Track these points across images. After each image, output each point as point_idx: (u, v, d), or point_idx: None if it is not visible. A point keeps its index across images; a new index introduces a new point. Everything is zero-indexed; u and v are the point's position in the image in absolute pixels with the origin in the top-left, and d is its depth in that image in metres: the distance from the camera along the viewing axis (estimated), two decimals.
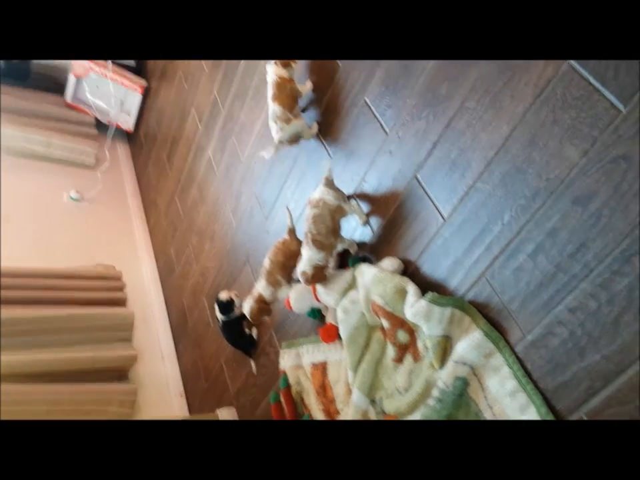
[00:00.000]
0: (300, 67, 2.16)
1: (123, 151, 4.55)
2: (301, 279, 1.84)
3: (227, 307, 2.34)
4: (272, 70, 2.07)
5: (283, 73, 2.05)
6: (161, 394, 3.10)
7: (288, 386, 2.19)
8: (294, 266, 1.98)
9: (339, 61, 2.03)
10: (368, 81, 1.89)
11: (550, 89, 1.33)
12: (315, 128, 2.13)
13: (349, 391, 1.84)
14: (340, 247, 1.88)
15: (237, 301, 2.35)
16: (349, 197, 1.91)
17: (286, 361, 2.22)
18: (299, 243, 2.00)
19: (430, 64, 1.64)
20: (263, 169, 2.54)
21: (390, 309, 1.67)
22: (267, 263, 2.07)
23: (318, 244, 1.79)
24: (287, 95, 2.04)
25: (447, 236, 1.58)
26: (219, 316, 2.38)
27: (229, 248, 2.83)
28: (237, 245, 2.75)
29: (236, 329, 2.47)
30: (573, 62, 1.28)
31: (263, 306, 2.09)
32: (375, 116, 1.85)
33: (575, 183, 1.27)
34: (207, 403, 2.91)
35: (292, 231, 2.10)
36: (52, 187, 3.93)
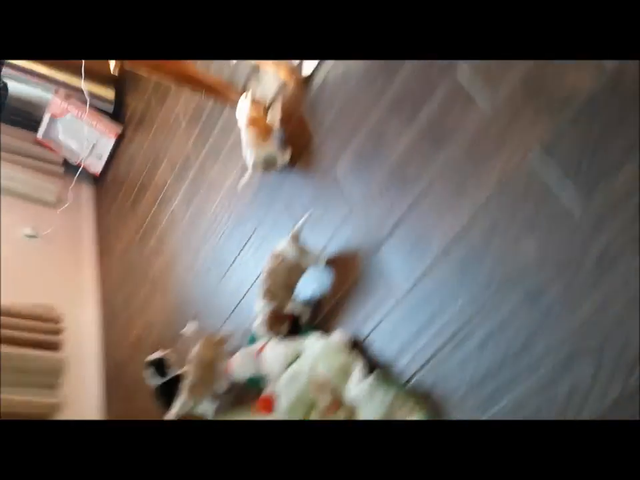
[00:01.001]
0: (278, 136, 2.19)
1: (87, 193, 4.49)
2: (262, 333, 1.84)
3: (159, 367, 2.23)
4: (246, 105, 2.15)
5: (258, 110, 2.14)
6: None
7: None
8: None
9: (314, 134, 2.06)
10: (340, 155, 1.91)
11: (514, 179, 1.36)
12: (288, 153, 2.15)
13: None
14: (291, 307, 1.84)
15: (171, 359, 2.24)
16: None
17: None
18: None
19: (401, 146, 1.68)
20: (226, 227, 2.52)
21: (333, 384, 1.61)
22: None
23: (270, 295, 1.79)
24: (261, 125, 2.12)
25: (399, 317, 1.56)
26: (151, 380, 2.24)
27: (179, 303, 2.74)
28: (187, 302, 2.67)
29: (171, 392, 2.34)
30: (539, 152, 1.32)
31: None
32: (342, 190, 1.86)
33: (528, 277, 1.28)
34: None
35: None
36: (9, 221, 3.81)
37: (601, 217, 1.18)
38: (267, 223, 2.23)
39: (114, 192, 4.08)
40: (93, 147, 4.13)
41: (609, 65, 1.22)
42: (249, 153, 2.12)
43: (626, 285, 1.12)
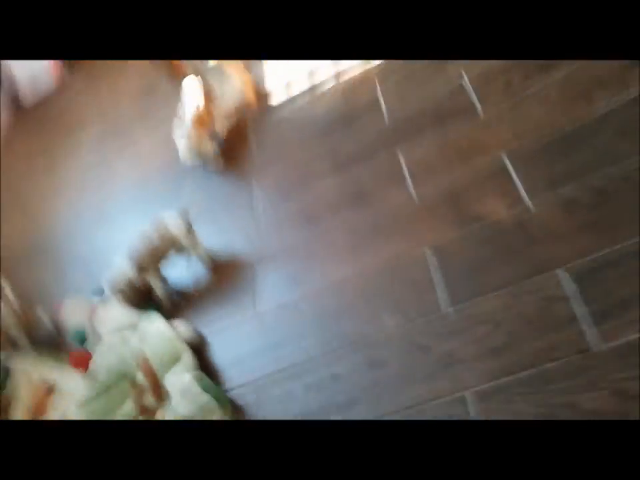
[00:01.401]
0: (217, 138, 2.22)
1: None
2: (110, 290, 1.77)
3: None
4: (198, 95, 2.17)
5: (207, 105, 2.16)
6: None
7: None
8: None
9: (248, 149, 2.11)
10: (264, 173, 1.97)
11: (404, 263, 1.45)
12: (220, 161, 2.16)
13: None
14: (152, 282, 1.81)
15: None
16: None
17: (20, 362, 1.99)
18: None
19: (322, 190, 1.76)
20: (127, 186, 2.45)
21: (155, 367, 1.58)
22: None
23: (139, 260, 1.76)
24: (207, 121, 2.15)
25: (247, 331, 1.57)
26: None
27: (40, 230, 2.59)
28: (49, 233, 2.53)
29: None
30: (432, 251, 1.43)
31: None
32: (252, 202, 1.90)
33: (376, 347, 1.35)
34: None
35: None
36: None
37: (464, 323, 1.28)
38: (167, 203, 2.19)
39: (31, 125, 3.81)
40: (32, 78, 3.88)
41: (530, 203, 1.36)
42: (184, 141, 2.14)
43: (454, 388, 1.21)
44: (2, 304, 2.06)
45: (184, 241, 1.80)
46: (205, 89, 2.22)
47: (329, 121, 1.98)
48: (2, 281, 2.17)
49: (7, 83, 3.91)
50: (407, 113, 1.78)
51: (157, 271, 1.82)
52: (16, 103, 4.14)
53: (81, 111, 3.39)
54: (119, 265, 1.78)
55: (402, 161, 1.66)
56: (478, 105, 1.63)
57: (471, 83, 1.70)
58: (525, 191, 1.38)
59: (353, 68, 2.10)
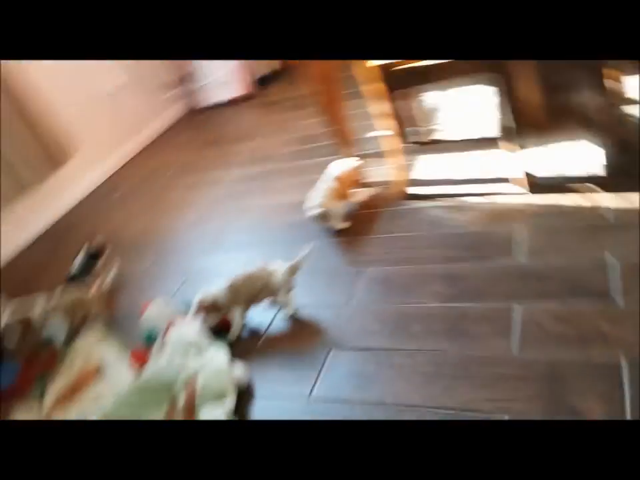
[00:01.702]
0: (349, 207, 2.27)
1: (178, 111, 4.60)
2: (196, 307, 1.86)
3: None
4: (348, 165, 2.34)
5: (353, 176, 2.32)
6: None
7: None
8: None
9: (372, 232, 2.13)
10: (373, 264, 1.97)
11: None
12: (345, 225, 2.26)
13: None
14: (235, 318, 1.86)
15: None
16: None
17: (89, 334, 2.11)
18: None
19: (424, 311, 1.72)
20: (249, 223, 2.56)
21: (198, 394, 1.59)
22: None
23: (233, 292, 1.84)
24: (345, 187, 2.31)
25: (295, 408, 1.55)
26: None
27: (154, 232, 2.76)
28: (161, 238, 2.69)
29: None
30: None
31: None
32: (352, 286, 1.90)
33: None
34: None
35: None
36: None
37: None
38: (277, 248, 2.26)
39: (198, 130, 4.17)
40: (219, 84, 4.25)
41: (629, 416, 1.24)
42: (315, 197, 2.23)
43: None
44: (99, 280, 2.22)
45: (280, 290, 1.84)
46: (358, 163, 2.32)
47: (456, 236, 1.96)
48: (109, 257, 2.34)
49: (188, 79, 4.29)
50: (537, 268, 1.71)
51: (244, 309, 1.86)
52: (191, 101, 4.51)
53: (245, 127, 3.63)
54: (215, 289, 1.84)
55: (515, 314, 1.58)
56: (618, 294, 1.52)
57: (622, 269, 1.59)
58: (630, 405, 1.25)
59: (502, 194, 2.08)
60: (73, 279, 2.37)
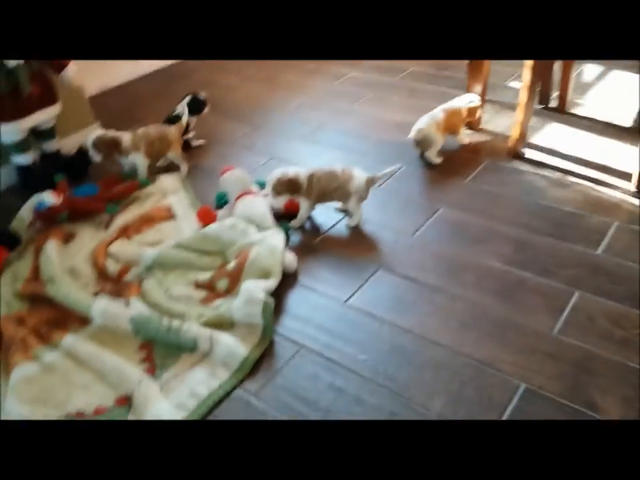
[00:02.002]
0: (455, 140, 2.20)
1: None
2: (270, 185, 1.88)
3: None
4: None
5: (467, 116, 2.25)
6: None
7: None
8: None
9: (467, 177, 2.08)
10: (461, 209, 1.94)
11: None
12: (439, 158, 2.18)
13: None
14: (303, 206, 1.92)
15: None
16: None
17: (170, 179, 2.23)
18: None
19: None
20: (348, 127, 2.54)
21: (247, 266, 1.67)
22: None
23: (310, 184, 1.88)
24: (454, 124, 2.22)
25: (330, 308, 1.60)
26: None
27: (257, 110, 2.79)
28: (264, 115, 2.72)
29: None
30: None
31: None
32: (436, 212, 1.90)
33: None
34: None
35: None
36: None
37: None
38: (367, 159, 2.26)
39: None
40: None
41: None
42: (421, 122, 2.21)
43: None
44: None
45: (352, 197, 1.86)
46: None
47: (547, 209, 1.91)
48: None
49: None
50: (613, 267, 1.64)
51: (314, 202, 1.91)
52: None
53: None
54: (294, 171, 1.88)
55: (572, 300, 1.55)
56: None
57: None
58: None
59: (610, 186, 1.98)
60: (170, 122, 2.46)
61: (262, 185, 2.03)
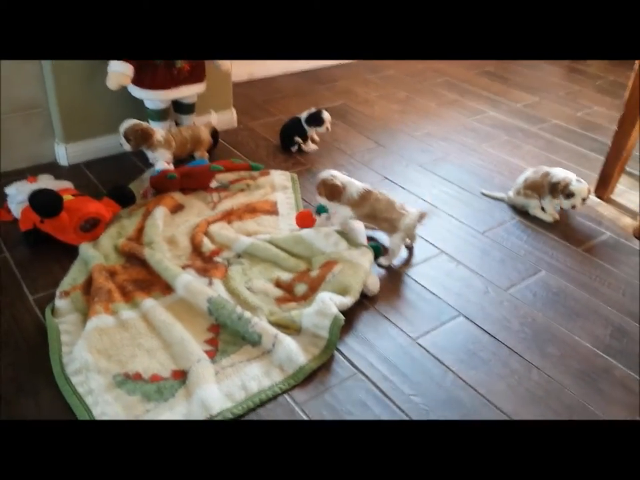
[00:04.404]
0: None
1: None
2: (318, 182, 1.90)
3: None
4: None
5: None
6: None
7: None
8: None
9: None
10: None
11: None
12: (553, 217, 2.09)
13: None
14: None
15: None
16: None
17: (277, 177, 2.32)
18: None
19: None
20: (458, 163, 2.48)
21: (329, 277, 1.68)
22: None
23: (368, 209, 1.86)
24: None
25: (402, 346, 1.57)
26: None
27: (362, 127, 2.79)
28: (370, 131, 2.72)
29: None
30: None
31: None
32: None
33: None
34: None
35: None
36: None
37: None
38: (484, 202, 2.19)
39: None
40: None
41: None
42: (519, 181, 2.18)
43: None
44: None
45: (401, 231, 1.83)
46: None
47: None
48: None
49: None
50: None
51: (363, 218, 1.90)
52: None
53: (538, 79, 3.42)
54: (346, 181, 1.87)
55: None
56: None
57: None
58: None
59: None
60: (291, 123, 2.54)
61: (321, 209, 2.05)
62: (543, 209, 2.15)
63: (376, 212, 1.84)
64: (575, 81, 3.56)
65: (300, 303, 1.64)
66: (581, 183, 2.07)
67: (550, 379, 1.48)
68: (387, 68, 3.60)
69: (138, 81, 2.22)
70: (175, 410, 1.32)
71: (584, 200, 2.07)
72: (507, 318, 1.68)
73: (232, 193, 2.16)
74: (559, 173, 2.13)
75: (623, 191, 2.35)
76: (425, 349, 1.56)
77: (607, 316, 1.70)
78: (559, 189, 2.07)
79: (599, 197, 2.30)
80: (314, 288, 1.67)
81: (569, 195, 2.05)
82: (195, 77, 2.33)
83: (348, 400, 1.40)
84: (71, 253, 1.80)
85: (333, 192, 1.85)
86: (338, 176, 1.87)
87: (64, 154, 2.33)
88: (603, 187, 2.29)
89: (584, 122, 2.98)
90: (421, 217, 1.84)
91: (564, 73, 3.71)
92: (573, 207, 2.07)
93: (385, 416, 1.36)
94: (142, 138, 2.15)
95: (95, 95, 2.29)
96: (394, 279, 1.81)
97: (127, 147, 2.17)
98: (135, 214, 1.97)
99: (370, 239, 1.93)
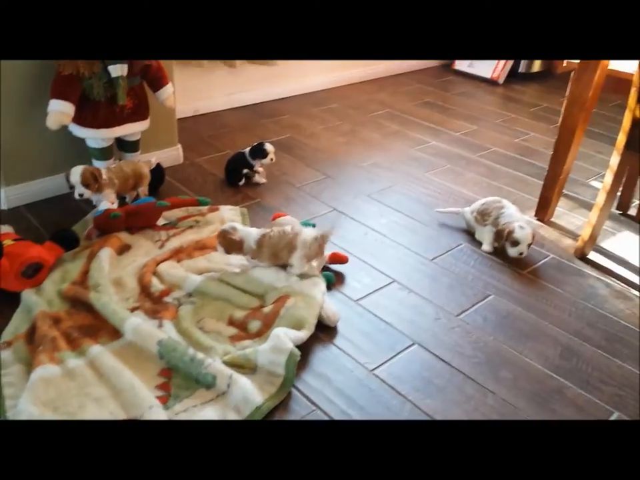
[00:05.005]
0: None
1: None
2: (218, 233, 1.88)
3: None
4: None
5: None
6: None
7: None
8: None
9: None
10: None
11: None
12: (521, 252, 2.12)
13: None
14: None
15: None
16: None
17: (225, 212, 2.28)
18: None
19: None
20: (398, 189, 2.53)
21: (283, 312, 1.67)
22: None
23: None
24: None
25: (358, 380, 1.57)
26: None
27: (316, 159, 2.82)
28: (320, 163, 2.75)
29: None
30: None
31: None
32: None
33: None
34: None
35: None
36: None
37: None
38: (416, 233, 2.24)
39: (432, 87, 4.11)
40: None
41: None
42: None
43: None
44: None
45: (299, 249, 1.82)
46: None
47: (605, 320, 1.80)
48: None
49: None
50: None
51: (271, 262, 1.88)
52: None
53: (475, 107, 3.54)
54: (245, 233, 1.86)
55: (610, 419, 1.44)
56: None
57: None
58: None
59: None
60: (236, 158, 2.56)
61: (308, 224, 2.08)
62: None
63: (275, 249, 1.83)
64: (510, 109, 3.71)
65: (254, 340, 1.62)
66: (524, 230, 2.05)
67: (505, 402, 1.50)
68: (330, 101, 3.66)
69: (79, 119, 2.17)
70: None
71: (529, 245, 2.07)
72: (460, 343, 1.70)
73: (180, 230, 2.13)
74: (508, 215, 2.12)
75: (562, 213, 2.45)
76: (381, 379, 1.56)
77: (555, 336, 1.74)
78: (503, 236, 2.08)
79: (539, 219, 2.38)
80: (268, 324, 1.65)
81: (514, 243, 2.06)
82: (139, 114, 2.30)
83: None
84: (13, 300, 1.73)
85: (231, 245, 1.84)
86: (238, 229, 1.86)
87: (3, 197, 2.25)
88: (543, 210, 2.37)
89: (522, 148, 3.10)
90: (322, 238, 1.83)
91: (500, 102, 3.87)
92: (520, 254, 2.07)
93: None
94: (93, 179, 2.08)
95: (34, 135, 2.22)
96: (348, 309, 1.81)
97: (87, 194, 2.09)
98: (79, 257, 1.91)
99: (322, 268, 1.93)
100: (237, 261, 1.97)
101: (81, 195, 2.07)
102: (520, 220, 2.10)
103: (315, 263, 1.87)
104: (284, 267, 1.87)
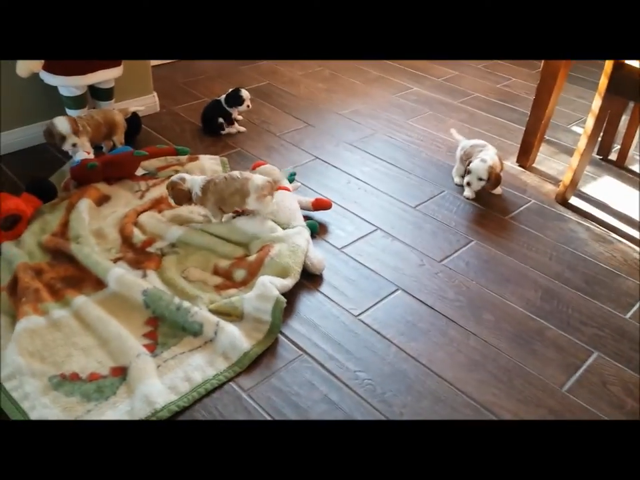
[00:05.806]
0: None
1: None
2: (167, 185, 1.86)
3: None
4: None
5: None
6: None
7: None
8: None
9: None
10: None
11: None
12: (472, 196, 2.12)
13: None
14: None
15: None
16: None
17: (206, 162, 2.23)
18: None
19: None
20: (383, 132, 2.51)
21: (267, 261, 1.66)
22: None
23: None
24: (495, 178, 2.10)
25: (344, 325, 1.58)
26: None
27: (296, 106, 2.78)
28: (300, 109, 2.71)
29: None
30: None
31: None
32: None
33: None
34: None
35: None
36: None
37: None
38: (403, 177, 2.23)
39: None
40: None
41: None
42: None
43: None
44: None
45: (253, 193, 1.80)
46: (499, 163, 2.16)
47: (584, 262, 1.83)
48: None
49: None
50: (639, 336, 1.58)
51: (217, 208, 1.87)
52: None
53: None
54: (190, 181, 1.83)
55: (589, 360, 1.49)
56: None
57: None
58: None
59: None
60: (211, 109, 2.50)
61: (291, 179, 2.05)
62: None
63: (221, 194, 1.79)
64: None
65: (240, 289, 1.62)
66: (483, 163, 2.06)
67: (487, 344, 1.54)
68: None
69: (50, 66, 2.09)
70: (117, 408, 1.28)
71: (487, 180, 2.08)
72: (443, 288, 1.72)
73: (160, 180, 2.09)
74: (483, 153, 2.13)
75: (543, 158, 2.45)
76: (367, 324, 1.58)
77: (536, 279, 1.77)
78: (465, 164, 2.13)
79: (521, 165, 2.38)
80: (253, 272, 1.65)
81: (467, 171, 2.10)
82: (111, 61, 2.23)
83: (294, 382, 1.40)
84: None
85: (180, 196, 1.81)
86: (187, 179, 1.82)
87: None
88: (525, 155, 2.38)
89: (503, 93, 3.08)
90: (274, 182, 1.81)
91: None
92: (468, 184, 2.11)
93: (332, 394, 1.37)
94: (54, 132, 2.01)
95: (4, 85, 2.14)
96: (333, 257, 1.82)
97: (80, 143, 2.04)
98: (58, 208, 1.87)
99: (306, 217, 1.92)
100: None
101: (74, 145, 2.03)
102: (488, 157, 2.10)
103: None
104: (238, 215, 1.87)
